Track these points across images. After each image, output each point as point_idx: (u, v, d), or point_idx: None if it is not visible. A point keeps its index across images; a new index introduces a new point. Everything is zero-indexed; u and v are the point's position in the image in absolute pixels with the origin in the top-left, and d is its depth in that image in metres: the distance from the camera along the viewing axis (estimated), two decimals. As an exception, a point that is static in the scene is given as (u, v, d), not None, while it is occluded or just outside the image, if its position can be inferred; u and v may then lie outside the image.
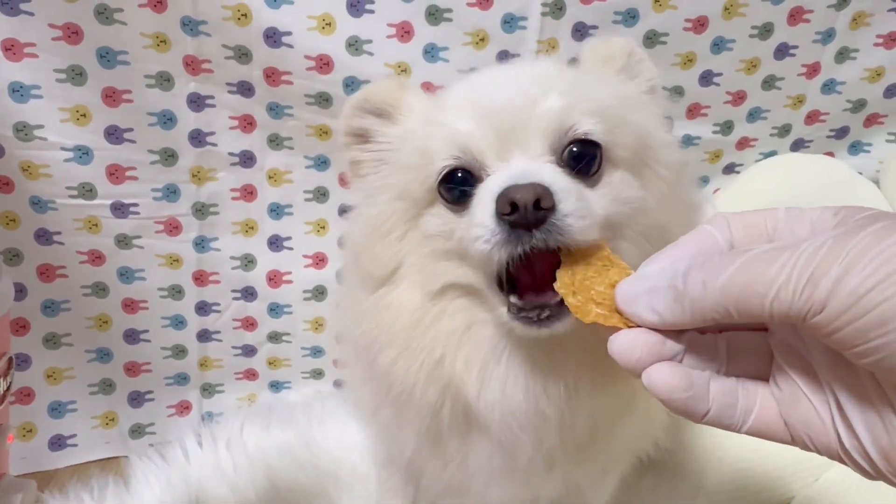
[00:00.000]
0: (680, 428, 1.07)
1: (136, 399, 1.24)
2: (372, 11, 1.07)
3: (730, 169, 1.32)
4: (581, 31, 1.12)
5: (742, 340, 0.43)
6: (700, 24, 1.13)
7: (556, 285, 0.48)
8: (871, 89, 1.24)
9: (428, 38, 1.10)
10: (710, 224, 0.43)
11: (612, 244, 0.55)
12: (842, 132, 1.30)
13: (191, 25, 1.03)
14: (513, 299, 0.55)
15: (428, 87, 1.11)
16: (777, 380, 0.42)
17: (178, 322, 1.23)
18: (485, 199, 0.53)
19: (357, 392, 0.86)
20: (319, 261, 1.26)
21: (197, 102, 1.10)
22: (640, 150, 0.60)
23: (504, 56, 1.12)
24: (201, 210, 1.17)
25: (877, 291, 0.32)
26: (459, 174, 0.58)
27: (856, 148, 1.32)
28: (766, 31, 1.16)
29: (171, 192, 1.14)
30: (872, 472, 0.37)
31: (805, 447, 0.40)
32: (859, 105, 1.26)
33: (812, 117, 1.27)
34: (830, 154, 1.32)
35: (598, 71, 0.66)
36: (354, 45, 1.08)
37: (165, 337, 1.23)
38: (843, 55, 1.21)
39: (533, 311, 0.54)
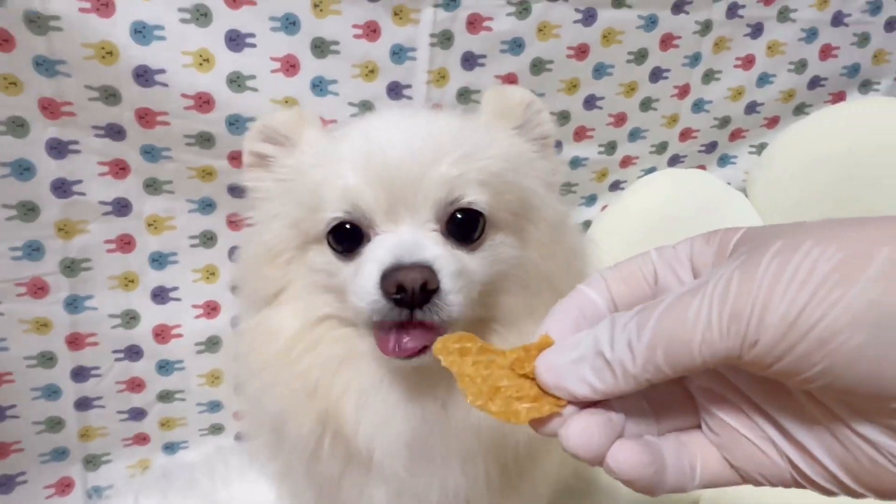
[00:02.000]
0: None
1: (6, 484, 1.09)
2: (253, 45, 1.01)
3: (615, 186, 1.37)
4: (470, 61, 1.12)
5: (661, 394, 0.42)
6: (581, 52, 1.17)
7: (467, 394, 0.41)
8: (734, 107, 1.35)
9: (315, 72, 1.05)
10: (587, 286, 0.43)
11: (493, 298, 0.57)
12: (711, 147, 1.40)
13: (46, 65, 0.92)
14: (378, 347, 0.57)
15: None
16: (710, 426, 0.41)
17: (52, 392, 1.09)
18: (370, 267, 0.55)
19: (255, 442, 0.82)
20: (211, 310, 1.17)
21: (58, 149, 0.99)
22: (522, 212, 0.63)
23: (395, 87, 1.10)
24: (71, 266, 1.05)
25: (807, 313, 0.31)
26: (348, 226, 0.60)
27: (724, 161, 1.43)
28: (641, 56, 1.22)
29: (33, 250, 1.02)
30: (839, 491, 0.36)
31: (759, 484, 0.39)
32: (725, 122, 1.36)
33: (685, 134, 1.36)
34: (702, 167, 1.42)
35: (494, 125, 0.67)
36: (236, 82, 1.01)
37: (37, 410, 1.09)
38: (708, 76, 1.30)
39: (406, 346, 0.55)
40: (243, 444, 1.25)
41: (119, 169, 1.04)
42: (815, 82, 1.35)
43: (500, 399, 0.40)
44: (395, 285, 0.52)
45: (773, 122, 1.39)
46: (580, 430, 0.38)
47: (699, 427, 0.41)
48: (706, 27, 1.23)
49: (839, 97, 1.39)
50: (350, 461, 0.64)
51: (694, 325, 0.34)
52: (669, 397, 0.42)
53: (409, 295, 0.52)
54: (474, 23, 1.09)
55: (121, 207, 1.06)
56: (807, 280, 0.31)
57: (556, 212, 0.67)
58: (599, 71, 1.21)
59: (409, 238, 0.56)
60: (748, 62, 1.30)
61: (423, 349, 0.54)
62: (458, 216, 0.58)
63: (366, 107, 1.09)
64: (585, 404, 0.39)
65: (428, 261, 0.54)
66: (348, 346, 0.62)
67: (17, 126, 0.95)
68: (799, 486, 0.38)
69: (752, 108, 1.36)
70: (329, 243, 0.61)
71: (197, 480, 1.15)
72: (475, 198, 0.58)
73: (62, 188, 1.01)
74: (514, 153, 0.65)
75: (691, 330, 0.34)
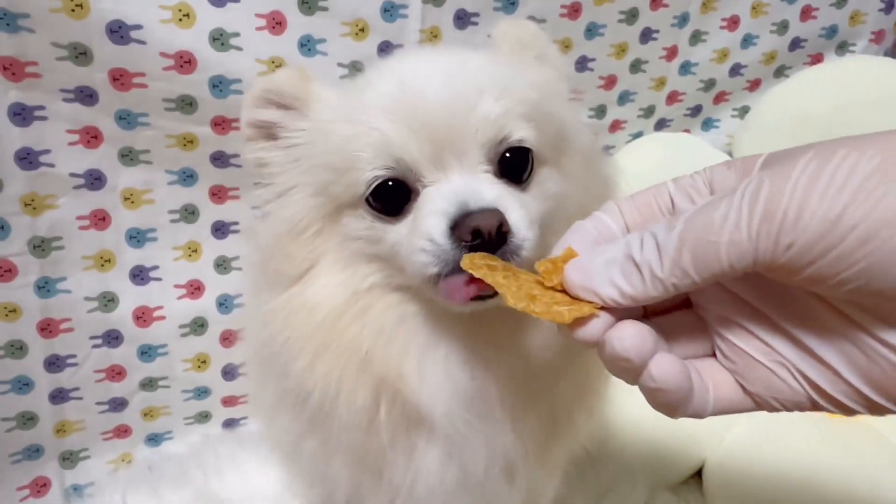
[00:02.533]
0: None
1: (-26, 488, 1.00)
2: (237, 0, 0.94)
3: (604, 152, 1.36)
4: (463, 19, 1.08)
5: (675, 324, 0.43)
6: (574, 10, 1.14)
7: (507, 298, 0.42)
8: (719, 69, 1.35)
9: (303, 30, 0.99)
10: (602, 212, 0.44)
11: (543, 240, 0.54)
12: (696, 110, 1.40)
13: (6, 19, 0.83)
14: (443, 295, 0.52)
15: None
16: (725, 353, 0.41)
17: (22, 385, 1.00)
18: (432, 221, 0.51)
19: (274, 425, 0.75)
20: (195, 289, 1.10)
21: (22, 115, 0.90)
22: (559, 144, 0.60)
23: (386, 47, 1.05)
24: (41, 246, 0.96)
25: (850, 211, 0.31)
26: (390, 184, 0.55)
27: (707, 125, 1.43)
28: (632, 15, 1.20)
29: (-3, 229, 0.92)
30: (858, 407, 0.37)
31: (772, 409, 0.40)
32: (710, 84, 1.36)
33: (672, 98, 1.35)
34: (687, 131, 1.42)
35: (516, 57, 0.64)
36: (219, 40, 0.94)
37: (6, 405, 1.00)
38: (696, 38, 1.29)
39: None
40: (233, 432, 1.19)
41: (91, 137, 0.96)
42: (795, 44, 1.37)
43: (539, 303, 0.41)
44: (470, 231, 0.49)
45: (754, 84, 1.40)
46: (634, 332, 0.38)
47: (712, 356, 0.42)
48: (695, -14, 1.22)
49: (817, 59, 1.40)
50: (404, 427, 0.61)
51: (721, 225, 0.34)
52: (683, 327, 0.43)
53: (487, 239, 0.49)
54: (467, -22, 1.05)
55: (94, 180, 0.98)
56: (847, 181, 0.32)
57: (587, 140, 0.65)
58: (591, 31, 1.18)
59: (466, 184, 0.53)
60: (733, 23, 1.30)
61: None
62: (508, 155, 0.55)
63: (356, 68, 1.04)
64: (618, 312, 0.39)
65: (495, 203, 0.51)
66: (400, 310, 0.59)
67: (-26, 90, 0.86)
68: (816, 407, 0.38)
69: (735, 70, 1.36)
70: (369, 205, 0.56)
71: (187, 472, 1.08)
72: (523, 134, 0.55)
73: (27, 159, 0.92)
74: (544, 82, 0.62)
75: (718, 231, 0.34)
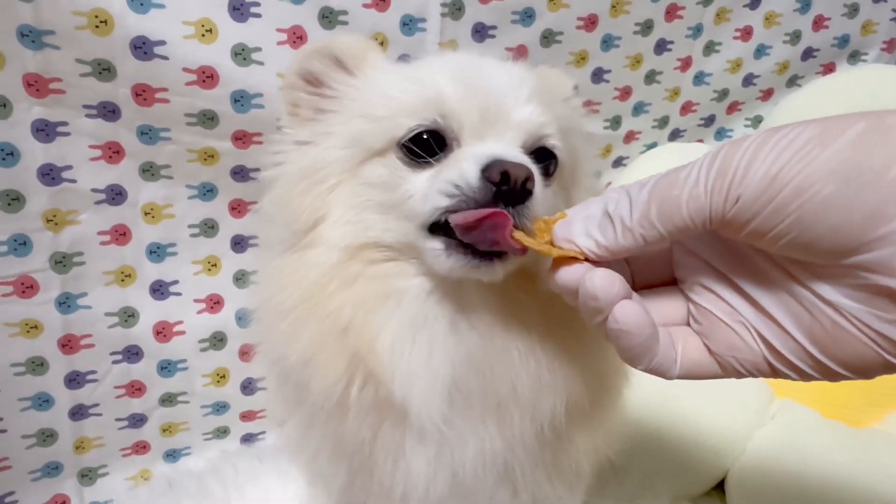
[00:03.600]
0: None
1: (-6, 506, 1.00)
2: (258, 15, 0.94)
3: (618, 162, 1.36)
4: (481, 32, 1.08)
5: (659, 294, 0.48)
6: (591, 23, 1.15)
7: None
8: (732, 79, 1.35)
9: (323, 44, 0.99)
10: (603, 196, 0.47)
11: None
12: (709, 120, 1.40)
13: (32, 36, 0.83)
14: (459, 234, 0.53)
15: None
16: (695, 316, 0.45)
17: (43, 401, 1.00)
18: (465, 164, 0.53)
19: (285, 428, 0.73)
20: (214, 304, 1.09)
21: (45, 131, 0.90)
22: (571, 173, 0.64)
23: (405, 60, 1.05)
24: (62, 262, 0.96)
25: (787, 168, 0.35)
26: (425, 136, 0.57)
27: (721, 134, 1.43)
28: (647, 27, 1.20)
29: (19, 245, 0.92)
30: (812, 371, 0.40)
31: (735, 373, 0.44)
32: (723, 94, 1.37)
33: (686, 108, 1.35)
34: (700, 141, 1.42)
35: (551, 93, 0.67)
36: (241, 55, 0.94)
37: (26, 422, 1.00)
38: (709, 48, 1.30)
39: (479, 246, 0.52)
40: (251, 447, 1.18)
41: (113, 153, 0.95)
42: (808, 53, 1.37)
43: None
44: (500, 173, 0.50)
45: (767, 94, 1.40)
46: (604, 275, 0.43)
47: (687, 324, 0.47)
48: (709, -3, 1.23)
49: (829, 68, 1.41)
50: (382, 417, 0.59)
51: (684, 182, 0.39)
52: (664, 297, 0.48)
53: (513, 186, 0.50)
54: (485, -9, 1.05)
55: (115, 195, 0.98)
56: (789, 145, 0.36)
57: (594, 188, 0.69)
58: (607, 43, 1.19)
59: (504, 147, 0.56)
60: (746, 33, 1.31)
61: (499, 255, 0.52)
62: (540, 153, 0.59)
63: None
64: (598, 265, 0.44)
65: (529, 165, 0.53)
66: (387, 285, 0.58)
67: (0, 106, 0.86)
68: (774, 373, 0.42)
69: (748, 80, 1.37)
70: (402, 150, 0.57)
71: (206, 488, 1.06)
72: (556, 142, 0.60)
73: (50, 175, 0.92)
74: (574, 116, 0.67)
75: (681, 187, 0.39)
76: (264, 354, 0.68)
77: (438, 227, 0.54)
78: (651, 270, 0.49)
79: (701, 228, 0.40)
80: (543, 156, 0.59)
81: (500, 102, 0.57)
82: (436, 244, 0.54)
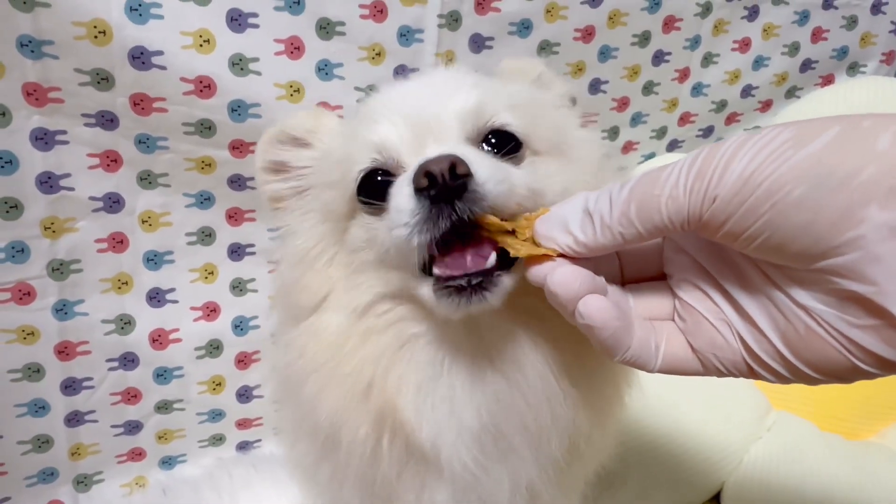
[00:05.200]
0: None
1: (-11, 512, 1.00)
2: (256, 26, 0.95)
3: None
4: (478, 43, 1.09)
5: (648, 288, 0.48)
6: (588, 34, 1.15)
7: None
8: (731, 90, 1.36)
9: (320, 55, 1.00)
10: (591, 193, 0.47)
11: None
12: (707, 131, 1.40)
13: (31, 46, 0.84)
14: (437, 270, 0.50)
15: (324, 106, 1.01)
16: (680, 313, 0.46)
17: (39, 408, 1.00)
18: (401, 187, 0.51)
19: (294, 450, 0.75)
20: (210, 311, 1.10)
21: (44, 139, 0.91)
22: (559, 144, 0.61)
23: (402, 70, 1.06)
24: (59, 269, 0.96)
25: (761, 170, 0.36)
26: (378, 177, 0.56)
27: (719, 145, 1.43)
28: (644, 38, 1.21)
29: (17, 252, 0.93)
30: (782, 370, 0.40)
31: (716, 371, 0.44)
32: (721, 105, 1.37)
33: (684, 119, 1.36)
34: (699, 152, 1.42)
35: (511, 79, 0.66)
36: (239, 65, 0.95)
37: (22, 428, 1.00)
38: (707, 60, 1.30)
39: (460, 279, 0.49)
40: (247, 455, 1.18)
41: (110, 161, 0.96)
42: (806, 65, 1.37)
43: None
44: (423, 176, 0.47)
45: (766, 105, 1.41)
46: (567, 272, 0.43)
47: (672, 319, 0.47)
48: (706, 9, 1.23)
49: (828, 80, 1.41)
50: (410, 461, 0.59)
51: (664, 182, 0.39)
52: (653, 292, 0.48)
53: (441, 182, 0.46)
54: (482, 3, 1.06)
55: (112, 203, 0.98)
56: (764, 147, 0.36)
57: (594, 151, 0.63)
58: (605, 54, 1.19)
59: (437, 149, 0.52)
60: (745, 45, 1.31)
61: (484, 286, 0.49)
62: (492, 138, 0.55)
63: (372, 91, 1.04)
64: (582, 263, 0.44)
65: (452, 150, 0.49)
66: (400, 332, 0.57)
67: (-1, 115, 0.87)
68: (752, 373, 0.42)
69: (747, 91, 1.37)
70: (361, 201, 0.56)
71: (202, 496, 1.07)
72: (507, 119, 0.56)
73: (48, 183, 0.93)
74: (537, 95, 0.64)
75: (661, 186, 0.39)
76: (291, 413, 0.69)
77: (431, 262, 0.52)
78: (641, 264, 0.49)
79: (679, 229, 0.40)
80: (503, 138, 0.56)
81: (427, 111, 0.55)
82: (425, 290, 0.52)
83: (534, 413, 0.57)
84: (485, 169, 0.49)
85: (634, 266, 0.49)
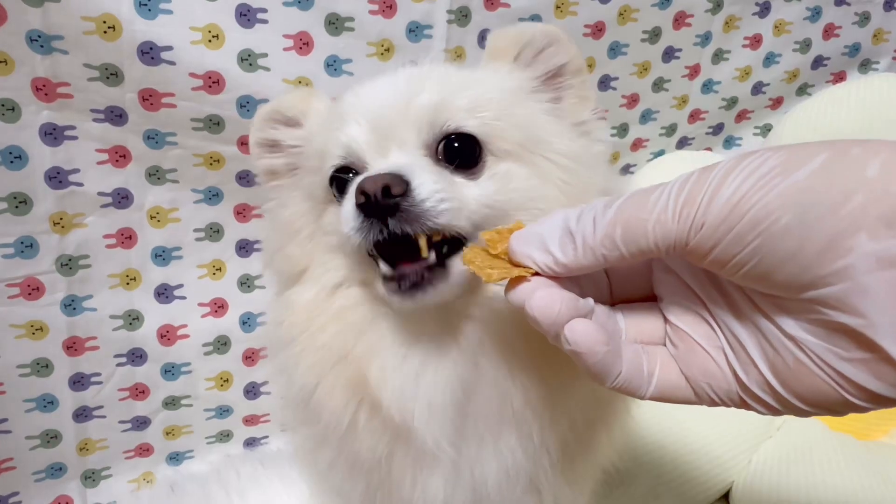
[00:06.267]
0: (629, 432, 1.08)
1: (-3, 507, 1.00)
2: (265, 21, 0.94)
3: (625, 170, 1.35)
4: (487, 39, 1.08)
5: (639, 310, 0.46)
6: (598, 30, 1.14)
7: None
8: (741, 87, 1.35)
9: (329, 50, 0.99)
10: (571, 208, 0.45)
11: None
12: (718, 128, 1.39)
13: (41, 41, 0.84)
14: (383, 268, 0.53)
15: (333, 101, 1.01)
16: (672, 339, 0.44)
17: (47, 403, 1.00)
18: (350, 193, 0.53)
19: (299, 432, 0.77)
20: (218, 307, 1.10)
21: (53, 135, 0.91)
22: (527, 143, 0.59)
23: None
24: (68, 264, 0.96)
25: (748, 197, 0.34)
26: (345, 174, 0.59)
27: (729, 143, 1.42)
28: (655, 35, 1.20)
29: (25, 247, 0.93)
30: (773, 402, 0.39)
31: (709, 400, 0.42)
32: (732, 102, 1.36)
33: (694, 116, 1.35)
34: (709, 150, 1.41)
35: (485, 66, 0.64)
36: (248, 60, 0.94)
37: (30, 423, 1.00)
38: (718, 56, 1.29)
39: (404, 278, 0.52)
40: (254, 451, 1.18)
41: (119, 156, 0.96)
42: (818, 62, 1.36)
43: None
44: (360, 193, 0.50)
45: (777, 102, 1.39)
46: (546, 295, 0.41)
47: (664, 344, 0.45)
48: (717, 5, 1.22)
49: (840, 77, 1.40)
50: (393, 439, 0.60)
51: (653, 206, 0.38)
52: (644, 314, 0.46)
53: (372, 199, 0.50)
54: (492, -2, 1.05)
55: (121, 199, 0.98)
56: (753, 172, 0.35)
57: (571, 145, 0.61)
58: (615, 50, 1.18)
59: (394, 160, 0.55)
60: (756, 42, 1.30)
61: (422, 279, 0.51)
62: (448, 144, 0.56)
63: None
64: (554, 280, 0.42)
65: (395, 169, 0.51)
66: (370, 311, 0.60)
67: (8, 110, 0.87)
68: (743, 403, 0.41)
69: (758, 88, 1.36)
70: (334, 195, 0.60)
71: (209, 492, 1.07)
72: (463, 122, 0.56)
73: (57, 178, 0.93)
74: (507, 85, 0.61)
75: (649, 210, 0.38)
76: (285, 381, 0.70)
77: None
78: (632, 283, 0.47)
79: (665, 253, 0.39)
80: (461, 141, 0.56)
81: (389, 113, 0.57)
82: (378, 283, 0.55)
83: (502, 397, 0.57)
84: (427, 187, 0.51)
85: (624, 285, 0.48)
